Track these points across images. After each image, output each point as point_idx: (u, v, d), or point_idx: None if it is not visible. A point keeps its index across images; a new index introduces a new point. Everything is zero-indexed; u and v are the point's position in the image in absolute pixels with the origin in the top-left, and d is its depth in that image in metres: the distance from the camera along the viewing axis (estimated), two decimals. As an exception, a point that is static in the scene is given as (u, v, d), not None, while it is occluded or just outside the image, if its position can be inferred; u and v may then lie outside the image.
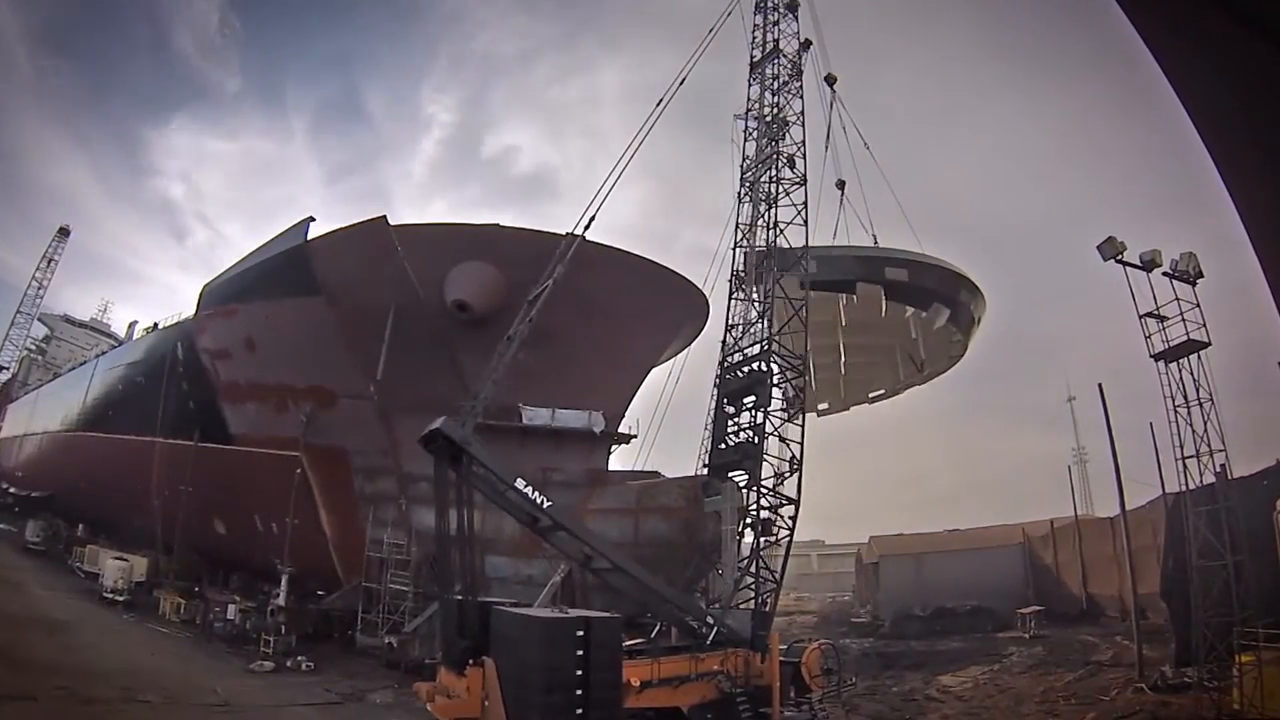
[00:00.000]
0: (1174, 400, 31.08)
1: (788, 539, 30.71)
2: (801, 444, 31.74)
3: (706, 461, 34.54)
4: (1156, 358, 31.62)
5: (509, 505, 25.29)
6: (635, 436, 49.57)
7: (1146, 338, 31.88)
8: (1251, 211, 6.26)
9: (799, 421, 32.16)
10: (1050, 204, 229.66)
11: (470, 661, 21.95)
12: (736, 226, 35.40)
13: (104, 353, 79.43)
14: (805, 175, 36.17)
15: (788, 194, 35.33)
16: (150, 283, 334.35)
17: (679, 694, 24.18)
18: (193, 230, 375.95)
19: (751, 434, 31.39)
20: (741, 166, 36.83)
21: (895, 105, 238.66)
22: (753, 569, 29.53)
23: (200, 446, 52.60)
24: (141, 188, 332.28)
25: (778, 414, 32.19)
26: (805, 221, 35.28)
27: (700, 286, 46.32)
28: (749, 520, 30.67)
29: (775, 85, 37.35)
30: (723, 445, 32.51)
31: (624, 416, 49.07)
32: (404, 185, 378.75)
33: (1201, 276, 31.63)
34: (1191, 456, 30.43)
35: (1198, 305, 31.22)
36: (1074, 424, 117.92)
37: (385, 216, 41.00)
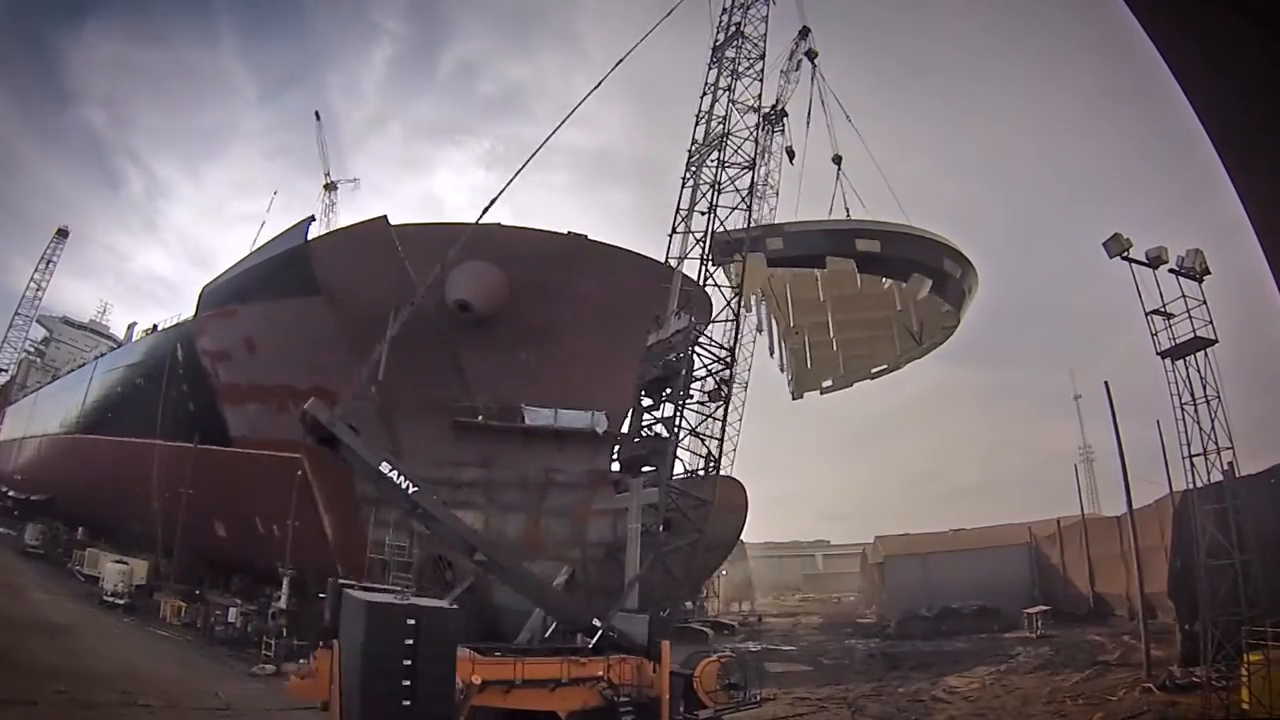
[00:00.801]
0: (1181, 398, 31.10)
1: (696, 540, 29.37)
2: (721, 441, 31.36)
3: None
4: (1163, 355, 31.62)
5: (385, 491, 25.36)
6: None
7: (1153, 335, 31.89)
8: (1258, 207, 6.29)
9: (720, 416, 31.49)
10: (1054, 200, 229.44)
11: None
12: (676, 210, 34.59)
13: (103, 354, 79.50)
14: (754, 160, 35.42)
15: (733, 182, 34.41)
16: (90, 243, 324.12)
17: (556, 698, 23.53)
18: (126, 175, 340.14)
19: (663, 428, 30.57)
20: (689, 150, 35.67)
21: (896, 101, 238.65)
22: (665, 571, 28.33)
23: (200, 448, 52.66)
24: (65, 120, 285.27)
25: (696, 407, 31.70)
26: (749, 207, 34.64)
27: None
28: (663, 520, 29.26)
29: (734, 68, 36.58)
30: (636, 439, 31.92)
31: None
32: (352, 105, 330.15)
33: (1208, 273, 31.61)
34: (1199, 454, 30.44)
35: (1204, 302, 31.22)
36: (1080, 422, 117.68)
37: (386, 216, 41.11)
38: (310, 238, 44.27)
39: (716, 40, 37.04)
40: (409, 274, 39.24)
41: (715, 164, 34.11)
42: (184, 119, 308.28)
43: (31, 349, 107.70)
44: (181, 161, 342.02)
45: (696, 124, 35.61)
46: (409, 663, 20.97)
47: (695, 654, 26.78)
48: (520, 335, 42.29)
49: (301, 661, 24.43)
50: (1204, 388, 30.66)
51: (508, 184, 33.04)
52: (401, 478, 25.06)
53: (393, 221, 41.98)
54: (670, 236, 34.72)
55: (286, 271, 44.35)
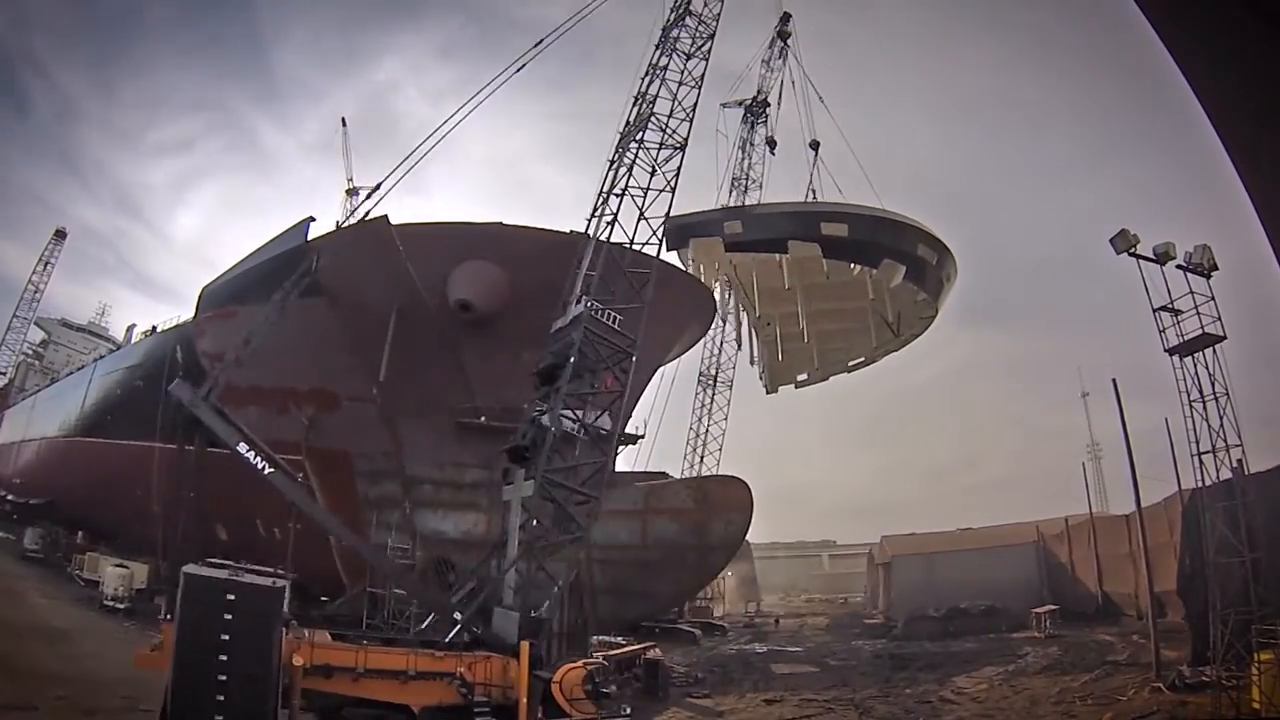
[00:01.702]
0: (1189, 395, 31.12)
1: (575, 539, 29.61)
2: (614, 436, 31.37)
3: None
4: (1171, 352, 31.63)
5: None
6: (642, 437, 49.66)
7: (1161, 332, 31.91)
8: (1265, 201, 6.32)
9: (616, 409, 31.44)
10: (1060, 196, 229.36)
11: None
12: (598, 193, 34.26)
13: (102, 357, 79.59)
14: (685, 142, 35.09)
15: (656, 166, 34.11)
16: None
17: (409, 691, 23.56)
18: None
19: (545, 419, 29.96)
20: (619, 132, 35.36)
21: (899, 96, 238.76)
22: (543, 568, 28.48)
23: (200, 451, 52.70)
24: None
25: (588, 397, 31.24)
26: (673, 190, 34.15)
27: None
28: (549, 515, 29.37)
29: (680, 47, 36.26)
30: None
31: (630, 416, 49.15)
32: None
33: (1216, 269, 31.62)
34: (1208, 452, 30.46)
35: (1212, 299, 31.23)
36: (1088, 420, 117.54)
37: (387, 216, 41.16)
38: (311, 238, 44.32)
39: (668, 20, 36.75)
40: (410, 274, 39.32)
41: (637, 144, 33.91)
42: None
43: (30, 351, 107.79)
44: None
45: (632, 106, 35.50)
46: (226, 637, 21.48)
47: (564, 659, 25.86)
48: (523, 335, 42.28)
49: None
50: (1212, 384, 30.69)
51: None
52: (258, 459, 25.93)
53: (393, 221, 42.08)
54: (588, 221, 34.48)
55: (287, 272, 44.40)
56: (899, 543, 72.91)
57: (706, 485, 38.81)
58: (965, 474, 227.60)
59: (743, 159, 71.11)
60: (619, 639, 44.43)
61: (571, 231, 44.46)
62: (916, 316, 62.86)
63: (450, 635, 25.76)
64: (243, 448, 26.57)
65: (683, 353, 64.88)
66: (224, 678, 20.97)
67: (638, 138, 34.29)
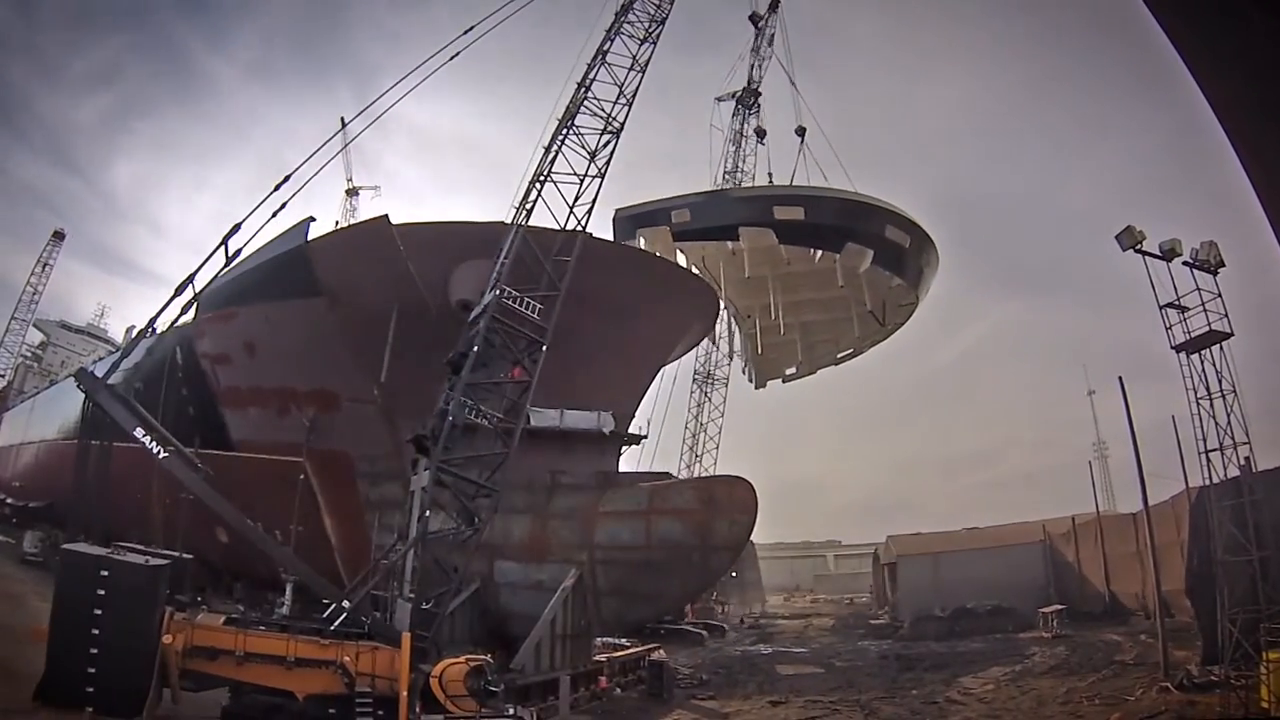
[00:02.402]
0: (1196, 392, 31.15)
1: (472, 535, 29.86)
2: (516, 429, 31.53)
3: None
4: (1178, 349, 31.66)
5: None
6: (645, 437, 49.70)
7: (1167, 329, 31.94)
8: (1272, 198, 6.34)
9: (523, 401, 31.88)
10: (1066, 192, 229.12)
11: None
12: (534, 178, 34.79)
13: (101, 358, 79.59)
14: (621, 128, 35.53)
15: (592, 155, 34.78)
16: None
17: (294, 678, 23.65)
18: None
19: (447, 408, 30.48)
20: (558, 118, 35.69)
21: (905, 90, 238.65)
22: (447, 561, 29.17)
23: (201, 453, 52.73)
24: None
25: (495, 388, 31.98)
26: (602, 175, 34.75)
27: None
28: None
29: (628, 30, 36.69)
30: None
31: (634, 417, 49.17)
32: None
33: (1223, 265, 31.64)
34: (1215, 450, 30.49)
35: (1219, 295, 31.25)
36: (1094, 418, 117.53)
37: (387, 216, 41.19)
38: (310, 238, 44.35)
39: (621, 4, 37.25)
40: (411, 274, 39.32)
41: (566, 130, 34.61)
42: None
43: (28, 353, 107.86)
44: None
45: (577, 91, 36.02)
46: (99, 613, 22.02)
47: (451, 655, 25.89)
48: (524, 335, 42.41)
49: None
50: (1219, 382, 30.71)
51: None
52: (154, 445, 26.53)
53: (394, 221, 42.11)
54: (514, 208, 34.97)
55: (287, 273, 44.42)
56: (904, 542, 72.89)
57: (711, 485, 38.74)
58: (982, 469, 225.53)
59: (735, 152, 71.34)
60: (623, 641, 44.52)
61: (573, 231, 44.77)
62: (897, 303, 61.73)
63: (336, 623, 25.75)
64: (139, 432, 27.25)
65: (686, 352, 64.86)
66: (95, 652, 21.56)
67: (571, 123, 34.87)
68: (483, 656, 25.96)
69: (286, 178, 34.50)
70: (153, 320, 33.85)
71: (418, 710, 22.99)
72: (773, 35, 70.58)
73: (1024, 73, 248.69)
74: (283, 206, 34.19)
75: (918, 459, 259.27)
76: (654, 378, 53.09)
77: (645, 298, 44.10)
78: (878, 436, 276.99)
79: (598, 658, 37.95)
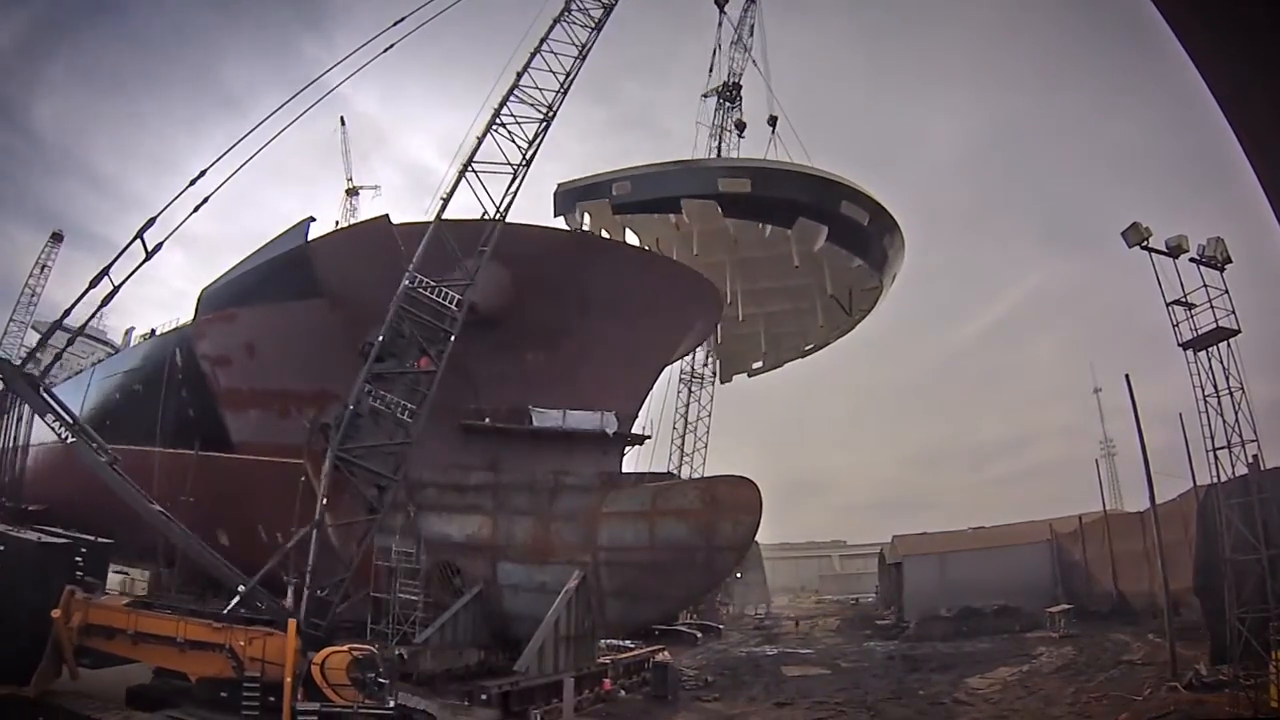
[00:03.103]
0: (1204, 390, 31.14)
1: (367, 526, 31.49)
2: (418, 419, 32.45)
3: None
4: (1185, 346, 31.66)
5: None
6: (649, 437, 49.68)
7: (1174, 326, 31.94)
8: (1278, 191, 6.36)
9: (426, 391, 32.88)
10: (1073, 188, 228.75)
11: None
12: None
13: (100, 361, 79.70)
14: (553, 114, 37.00)
15: (516, 140, 36.47)
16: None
17: (188, 660, 24.24)
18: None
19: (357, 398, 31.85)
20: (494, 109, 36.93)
21: (910, 83, 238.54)
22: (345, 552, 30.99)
23: (201, 456, 52.78)
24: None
25: (402, 377, 33.03)
26: (528, 161, 36.45)
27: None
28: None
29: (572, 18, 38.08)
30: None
31: (637, 417, 49.13)
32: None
33: (1230, 262, 31.63)
34: (1223, 447, 30.48)
35: (1226, 291, 31.24)
36: (1100, 416, 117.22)
37: (388, 215, 41.23)
38: (311, 238, 44.38)
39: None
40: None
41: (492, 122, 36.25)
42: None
43: (26, 355, 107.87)
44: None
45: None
46: None
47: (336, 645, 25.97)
48: (527, 336, 42.36)
49: None
50: (1227, 379, 30.71)
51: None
52: (63, 430, 28.48)
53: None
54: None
55: (287, 273, 44.45)
56: (911, 542, 72.85)
57: (715, 485, 38.60)
58: (1010, 458, 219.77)
59: (717, 146, 71.38)
60: (627, 643, 44.56)
61: (577, 229, 44.80)
62: (861, 289, 60.07)
63: (229, 608, 26.74)
64: (50, 419, 28.58)
65: (690, 350, 64.81)
66: None
67: (504, 111, 36.33)
68: (368, 647, 26.15)
69: (203, 172, 35.21)
70: (66, 312, 35.42)
71: (299, 697, 23.05)
72: (753, 25, 70.60)
73: (1026, 64, 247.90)
74: (204, 201, 35.24)
75: (941, 449, 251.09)
76: (657, 377, 53.04)
77: (648, 296, 44.09)
78: (896, 423, 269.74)
79: (602, 660, 38.02)
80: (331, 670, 23.30)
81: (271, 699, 22.87)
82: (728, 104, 71.42)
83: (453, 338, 33.38)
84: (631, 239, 55.42)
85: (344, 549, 31.07)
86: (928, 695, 35.25)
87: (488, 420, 42.84)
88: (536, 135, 36.73)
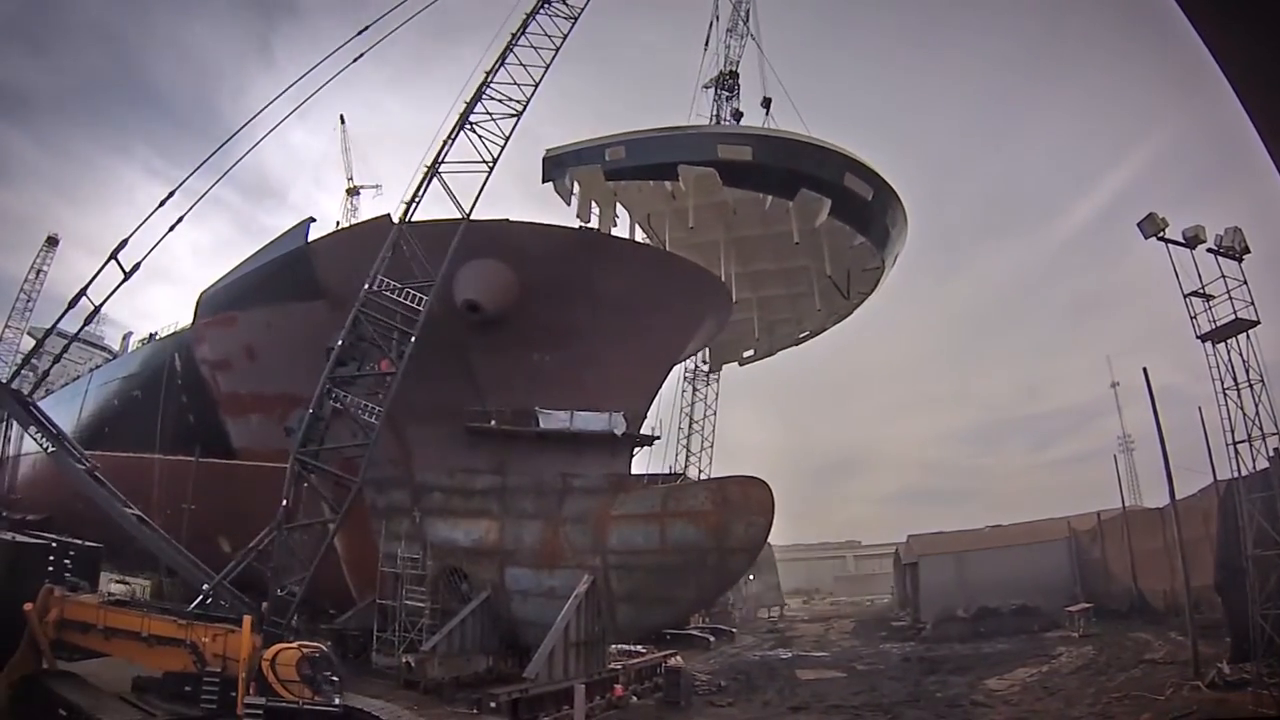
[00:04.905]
0: (1223, 382, 31.12)
1: (328, 521, 32.41)
2: (377, 420, 33.22)
3: None
4: (1204, 339, 31.65)
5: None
6: (659, 438, 49.56)
7: (1192, 318, 31.93)
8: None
9: (386, 393, 33.71)
10: (1081, 181, 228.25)
11: None
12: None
13: (98, 366, 79.95)
14: (523, 108, 38.01)
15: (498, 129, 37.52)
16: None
17: (155, 655, 25.34)
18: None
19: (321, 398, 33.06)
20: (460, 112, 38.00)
21: (918, 80, 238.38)
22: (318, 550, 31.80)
23: (201, 462, 52.92)
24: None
25: (361, 379, 34.31)
26: (492, 163, 37.49)
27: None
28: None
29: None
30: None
31: (646, 417, 49.10)
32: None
33: (1248, 252, 31.61)
34: (1243, 441, 30.47)
35: (1245, 282, 31.23)
36: (1119, 410, 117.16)
37: (389, 215, 41.28)
38: (311, 239, 44.47)
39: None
40: (414, 274, 39.43)
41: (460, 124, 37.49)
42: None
43: (45, 359, 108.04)
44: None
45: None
46: None
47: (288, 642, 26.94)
48: (533, 336, 42.38)
49: None
50: (1247, 371, 30.69)
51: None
52: (42, 438, 33.01)
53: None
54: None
55: (287, 275, 44.55)
56: (926, 542, 72.93)
57: (726, 486, 38.51)
58: (1077, 435, 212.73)
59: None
60: (639, 648, 44.58)
61: (583, 228, 44.81)
62: (861, 270, 58.53)
63: (193, 605, 28.42)
64: (32, 430, 32.89)
65: (700, 348, 64.70)
66: None
67: (476, 109, 37.54)
68: (318, 644, 26.95)
69: (172, 192, 36.07)
70: (48, 333, 37.54)
71: (251, 691, 23.72)
72: (748, 11, 70.40)
73: (1032, 47, 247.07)
74: (179, 220, 36.40)
75: (1002, 420, 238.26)
76: (666, 376, 53.03)
77: (656, 294, 44.10)
78: (960, 373, 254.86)
79: (613, 665, 38.06)
80: (282, 666, 23.96)
81: (232, 694, 23.76)
82: (726, 93, 71.29)
83: (412, 339, 34.25)
84: (621, 214, 55.20)
85: (305, 550, 31.93)
86: (945, 697, 35.29)
87: (493, 422, 42.83)
88: (508, 135, 37.40)
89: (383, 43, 40.04)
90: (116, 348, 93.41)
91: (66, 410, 76.23)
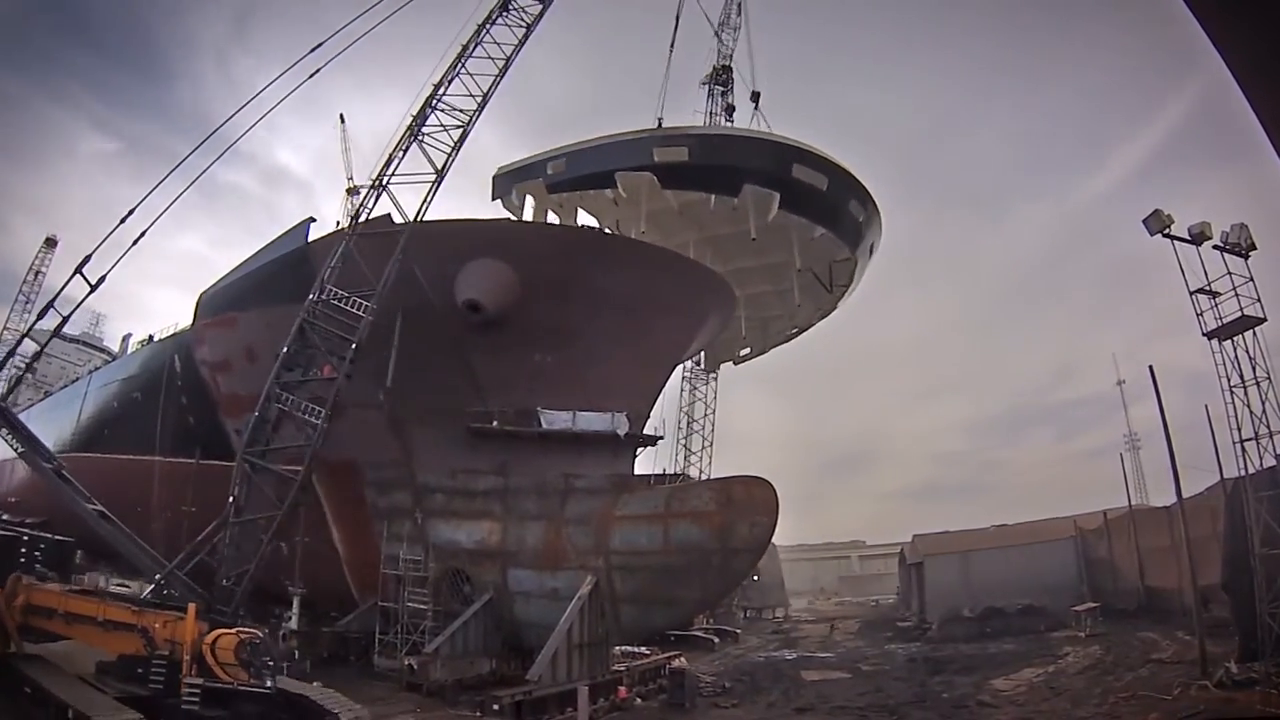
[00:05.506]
0: (1230, 380, 31.12)
1: (269, 516, 34.44)
2: (322, 423, 34.89)
3: None
4: (1210, 336, 31.64)
5: None
6: (662, 438, 49.54)
7: (1198, 315, 31.92)
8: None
9: (327, 396, 35.26)
10: (1085, 176, 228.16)
11: None
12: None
13: (97, 368, 79.87)
14: (473, 120, 38.68)
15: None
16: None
17: (111, 639, 26.71)
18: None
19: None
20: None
21: (920, 75, 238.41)
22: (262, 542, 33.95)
23: (202, 464, 52.85)
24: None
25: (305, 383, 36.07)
26: (441, 172, 38.33)
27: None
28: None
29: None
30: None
31: (649, 417, 49.08)
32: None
33: (1254, 248, 31.60)
34: (1250, 439, 30.46)
35: (1251, 279, 31.22)
36: (1124, 409, 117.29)
37: (389, 216, 41.28)
38: (311, 239, 44.45)
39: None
40: (416, 274, 39.42)
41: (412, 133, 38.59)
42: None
43: (21, 364, 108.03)
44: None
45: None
46: None
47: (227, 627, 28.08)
48: (535, 336, 42.37)
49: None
50: (1253, 368, 30.68)
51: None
52: (13, 441, 34.99)
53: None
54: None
55: (287, 275, 44.48)
56: (931, 541, 72.87)
57: (730, 486, 38.49)
58: (1109, 422, 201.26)
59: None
60: (643, 650, 44.56)
61: (585, 227, 44.70)
62: (831, 262, 57.48)
63: (146, 593, 31.68)
64: (4, 432, 34.88)
65: (703, 346, 64.59)
66: None
67: (428, 115, 38.57)
68: (254, 631, 27.65)
69: (131, 211, 36.77)
70: (17, 344, 39.20)
71: (191, 673, 24.75)
72: (740, 3, 70.45)
73: (1030, 39, 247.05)
74: (142, 234, 38.60)
75: (1030, 406, 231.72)
76: (669, 376, 53.00)
77: (659, 293, 44.10)
78: (987, 348, 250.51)
79: (616, 667, 38.06)
80: (221, 650, 24.96)
81: (179, 676, 24.85)
82: (720, 88, 71.34)
83: (354, 345, 35.61)
84: (587, 220, 55.41)
85: (248, 544, 34.09)
86: (951, 698, 35.26)
87: (495, 423, 42.83)
88: (456, 145, 37.91)
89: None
90: (115, 349, 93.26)
91: (66, 413, 76.26)
